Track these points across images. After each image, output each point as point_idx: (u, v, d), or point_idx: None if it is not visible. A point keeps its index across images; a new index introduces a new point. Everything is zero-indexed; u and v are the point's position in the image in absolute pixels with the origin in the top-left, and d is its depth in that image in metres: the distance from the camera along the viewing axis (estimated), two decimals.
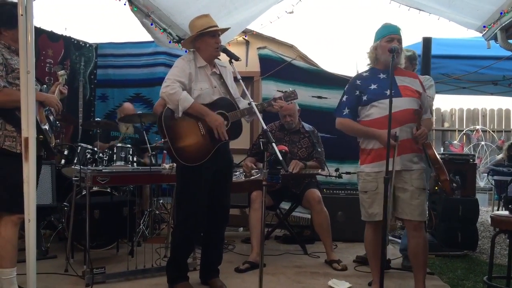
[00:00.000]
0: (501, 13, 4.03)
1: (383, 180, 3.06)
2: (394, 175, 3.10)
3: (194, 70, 3.43)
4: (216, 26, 3.49)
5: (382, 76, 3.37)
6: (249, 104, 3.38)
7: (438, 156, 3.28)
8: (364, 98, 3.34)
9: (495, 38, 4.33)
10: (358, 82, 3.44)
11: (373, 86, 3.33)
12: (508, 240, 3.57)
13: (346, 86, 3.53)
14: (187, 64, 3.41)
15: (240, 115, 3.51)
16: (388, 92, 3.09)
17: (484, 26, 4.39)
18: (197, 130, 3.37)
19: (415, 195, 3.23)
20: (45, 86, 3.38)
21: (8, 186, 2.95)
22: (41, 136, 2.95)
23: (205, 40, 3.45)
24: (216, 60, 3.60)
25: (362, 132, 3.38)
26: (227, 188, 3.65)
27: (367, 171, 3.34)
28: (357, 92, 3.39)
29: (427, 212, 3.33)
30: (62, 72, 3.57)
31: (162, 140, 3.33)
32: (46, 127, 3.17)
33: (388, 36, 3.31)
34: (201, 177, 3.38)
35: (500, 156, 8.84)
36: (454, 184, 3.45)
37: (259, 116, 3.20)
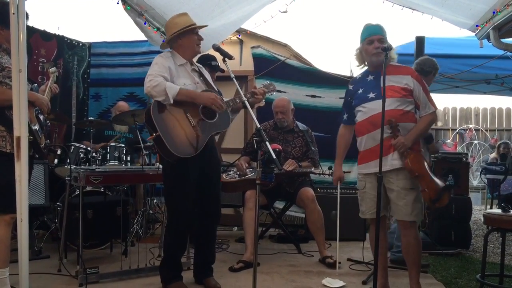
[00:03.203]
0: (493, 12, 4.04)
1: (370, 180, 3.26)
2: (382, 176, 3.09)
3: (174, 67, 3.42)
4: (195, 24, 3.51)
5: (370, 78, 3.38)
6: (243, 102, 3.38)
7: (420, 165, 3.13)
8: (353, 103, 3.44)
9: (487, 37, 4.35)
10: (350, 87, 3.54)
11: (360, 90, 3.38)
12: (500, 239, 3.58)
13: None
14: (165, 60, 3.40)
15: (225, 106, 3.49)
16: (370, 95, 3.27)
17: (477, 25, 4.41)
18: (186, 122, 3.34)
19: (401, 195, 3.20)
20: (36, 85, 3.37)
21: (0, 186, 2.94)
22: (31, 137, 2.93)
23: (189, 37, 3.47)
24: (194, 61, 3.64)
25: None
26: (216, 184, 3.64)
27: (358, 171, 3.47)
28: (349, 98, 3.51)
29: (418, 212, 3.23)
30: (54, 69, 3.55)
31: (153, 134, 3.22)
32: (36, 127, 3.16)
33: (368, 39, 3.33)
34: (188, 175, 3.37)
35: (493, 155, 8.89)
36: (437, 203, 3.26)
37: (253, 114, 3.20)
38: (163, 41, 4.93)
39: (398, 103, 3.21)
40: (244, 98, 3.33)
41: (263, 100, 3.73)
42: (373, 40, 3.30)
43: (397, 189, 3.21)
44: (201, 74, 3.60)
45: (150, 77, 3.27)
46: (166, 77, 3.32)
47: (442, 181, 3.20)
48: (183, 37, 3.47)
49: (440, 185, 3.13)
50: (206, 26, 3.67)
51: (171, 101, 3.23)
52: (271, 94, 3.83)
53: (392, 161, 3.19)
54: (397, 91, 3.22)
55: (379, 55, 3.25)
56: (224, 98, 3.60)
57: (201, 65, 3.74)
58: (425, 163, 3.16)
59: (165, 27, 3.57)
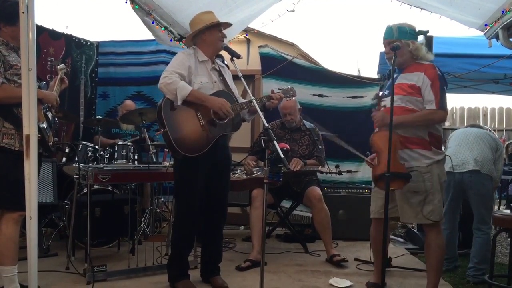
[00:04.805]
0: (502, 11, 4.02)
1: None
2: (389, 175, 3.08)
3: (194, 64, 3.46)
4: (219, 21, 3.55)
5: (395, 75, 3.37)
6: (251, 102, 3.39)
7: (382, 143, 3.11)
8: None
9: (496, 36, 4.32)
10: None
11: (387, 92, 3.40)
12: (509, 239, 3.56)
13: None
14: (186, 57, 3.45)
15: (239, 109, 3.50)
16: (386, 92, 3.33)
17: (485, 25, 4.38)
18: (196, 121, 3.37)
19: (405, 197, 3.20)
20: (44, 82, 3.38)
21: (9, 183, 2.95)
22: (39, 135, 2.94)
23: (213, 33, 3.51)
24: (216, 60, 3.67)
25: None
26: (225, 183, 3.65)
27: None
28: None
29: (426, 214, 3.16)
30: (62, 66, 3.56)
31: (161, 130, 3.32)
32: (44, 125, 3.16)
33: (383, 43, 3.42)
34: (197, 172, 3.40)
35: None
36: None
37: (261, 113, 3.21)
38: (171, 40, 4.98)
39: (401, 101, 3.22)
40: (252, 98, 3.34)
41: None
42: (385, 46, 3.38)
43: (403, 192, 3.20)
44: (221, 74, 3.62)
45: (165, 73, 3.33)
46: (183, 74, 3.36)
47: (403, 169, 3.09)
48: (206, 33, 3.51)
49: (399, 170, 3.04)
50: (231, 24, 3.70)
51: (179, 103, 3.28)
52: (290, 99, 3.84)
53: None
54: (403, 89, 3.24)
55: (391, 60, 3.27)
56: (239, 100, 3.62)
57: (223, 65, 3.77)
58: (392, 144, 2.99)
59: (190, 24, 3.61)
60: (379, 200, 3.33)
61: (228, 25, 3.64)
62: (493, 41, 4.51)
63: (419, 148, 3.20)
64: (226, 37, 3.61)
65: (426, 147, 3.20)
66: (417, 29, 3.35)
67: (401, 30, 3.28)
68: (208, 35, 3.51)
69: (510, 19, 3.98)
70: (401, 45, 3.16)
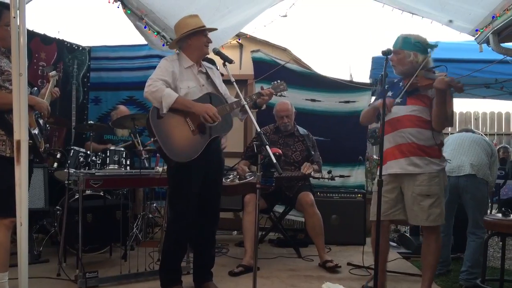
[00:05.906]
0: (493, 16, 4.05)
1: (385, 183, 3.29)
2: (396, 179, 3.29)
3: (179, 69, 3.43)
4: (205, 26, 3.54)
5: (402, 84, 3.45)
6: (239, 101, 3.37)
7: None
8: None
9: (487, 41, 4.35)
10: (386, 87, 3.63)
11: (389, 93, 3.46)
12: (500, 243, 3.58)
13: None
14: (170, 64, 3.42)
15: (229, 109, 3.47)
16: (397, 100, 3.33)
17: (476, 30, 4.42)
18: (186, 126, 3.33)
19: (416, 201, 3.29)
20: (36, 88, 3.35)
21: (0, 189, 2.93)
22: (30, 141, 2.92)
23: (198, 38, 3.49)
24: (203, 62, 3.64)
25: None
26: (218, 188, 3.63)
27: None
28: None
29: (435, 217, 3.28)
30: (54, 73, 3.53)
31: (152, 139, 3.29)
32: (36, 131, 3.15)
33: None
34: (191, 177, 3.37)
35: None
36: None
37: (253, 118, 3.21)
38: (163, 45, 4.98)
39: (417, 110, 3.32)
40: (244, 102, 3.32)
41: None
42: (393, 53, 3.42)
43: (414, 195, 3.30)
44: (208, 76, 3.60)
45: (150, 81, 3.30)
46: (167, 81, 3.33)
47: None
48: (192, 38, 3.48)
49: None
50: (216, 29, 3.69)
51: (165, 111, 3.23)
52: (281, 95, 3.79)
53: (408, 166, 3.31)
54: (422, 101, 3.34)
55: (395, 68, 3.43)
56: (229, 100, 3.59)
57: (211, 66, 3.74)
58: None
59: (175, 27, 3.58)
60: (386, 203, 3.36)
61: (213, 29, 3.63)
62: (484, 46, 4.54)
63: (430, 156, 3.30)
64: (211, 42, 3.58)
65: (437, 154, 3.33)
66: (427, 43, 3.40)
67: (405, 40, 3.38)
68: (193, 40, 3.49)
69: (501, 24, 4.01)
70: (402, 54, 3.32)
